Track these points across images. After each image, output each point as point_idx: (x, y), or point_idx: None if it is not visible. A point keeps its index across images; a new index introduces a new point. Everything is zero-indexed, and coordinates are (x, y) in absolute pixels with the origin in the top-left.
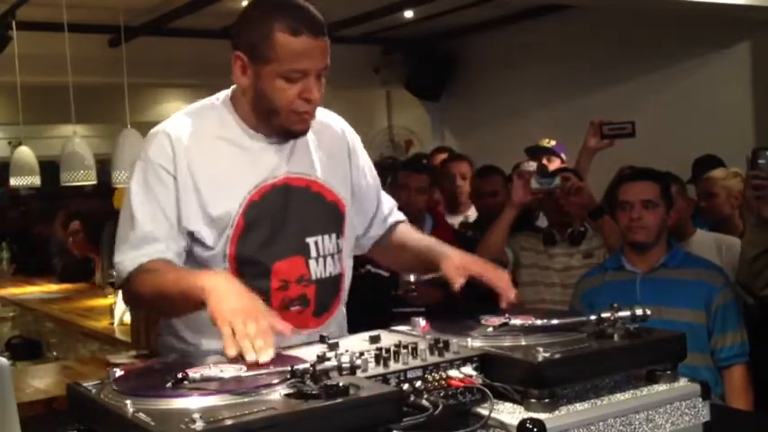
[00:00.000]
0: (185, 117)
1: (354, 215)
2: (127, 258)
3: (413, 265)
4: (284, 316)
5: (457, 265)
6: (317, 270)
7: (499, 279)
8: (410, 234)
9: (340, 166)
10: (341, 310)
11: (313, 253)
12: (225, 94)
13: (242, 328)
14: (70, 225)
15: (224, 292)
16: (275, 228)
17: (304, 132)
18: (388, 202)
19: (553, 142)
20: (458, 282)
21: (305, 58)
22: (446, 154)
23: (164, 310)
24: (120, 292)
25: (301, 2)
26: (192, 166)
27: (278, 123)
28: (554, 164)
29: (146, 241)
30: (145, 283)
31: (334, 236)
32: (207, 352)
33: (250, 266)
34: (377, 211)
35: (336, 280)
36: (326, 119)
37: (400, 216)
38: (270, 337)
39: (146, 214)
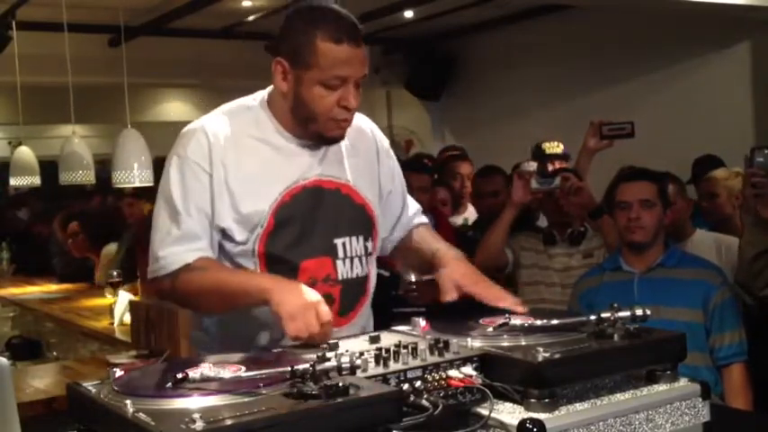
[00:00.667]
0: (222, 116)
1: (381, 217)
2: (171, 253)
3: (421, 268)
4: None
5: (454, 279)
6: (343, 271)
7: (493, 298)
8: (426, 237)
9: (369, 170)
10: (366, 310)
11: (341, 254)
12: (261, 95)
13: (309, 316)
14: (69, 226)
15: (288, 287)
16: (304, 228)
17: (340, 139)
18: (413, 206)
19: (561, 147)
20: (449, 296)
21: (346, 65)
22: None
23: (213, 307)
24: (119, 292)
25: (342, 11)
26: (227, 164)
27: (315, 129)
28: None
29: (189, 238)
30: (192, 281)
31: (362, 238)
32: (227, 343)
33: (278, 264)
34: (401, 214)
35: (363, 281)
36: (357, 121)
37: (423, 219)
38: (328, 325)
39: (185, 212)
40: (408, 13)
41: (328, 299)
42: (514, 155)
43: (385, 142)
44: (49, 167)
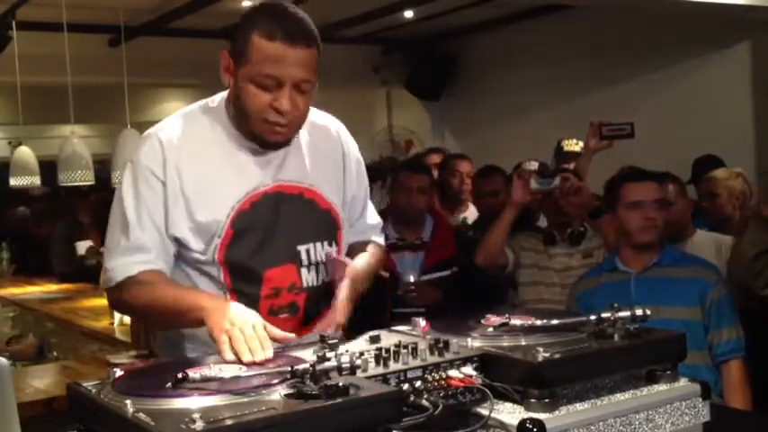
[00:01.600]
0: (179, 120)
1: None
2: (118, 265)
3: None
4: (272, 322)
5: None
6: (308, 278)
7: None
8: (360, 252)
9: (334, 172)
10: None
11: (305, 261)
12: (221, 96)
13: (238, 335)
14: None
15: (222, 309)
16: (266, 236)
17: (278, 144)
18: (374, 219)
19: (579, 145)
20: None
21: (276, 64)
22: (442, 154)
23: (155, 322)
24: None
25: (294, 12)
26: (182, 171)
27: (250, 130)
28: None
29: (136, 249)
30: (138, 294)
31: (326, 243)
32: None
33: (241, 273)
34: (357, 221)
35: (328, 287)
36: (323, 121)
37: (376, 237)
38: (266, 341)
39: (136, 220)
40: (408, 13)
41: (293, 308)
42: (514, 155)
43: (353, 146)
44: (49, 167)
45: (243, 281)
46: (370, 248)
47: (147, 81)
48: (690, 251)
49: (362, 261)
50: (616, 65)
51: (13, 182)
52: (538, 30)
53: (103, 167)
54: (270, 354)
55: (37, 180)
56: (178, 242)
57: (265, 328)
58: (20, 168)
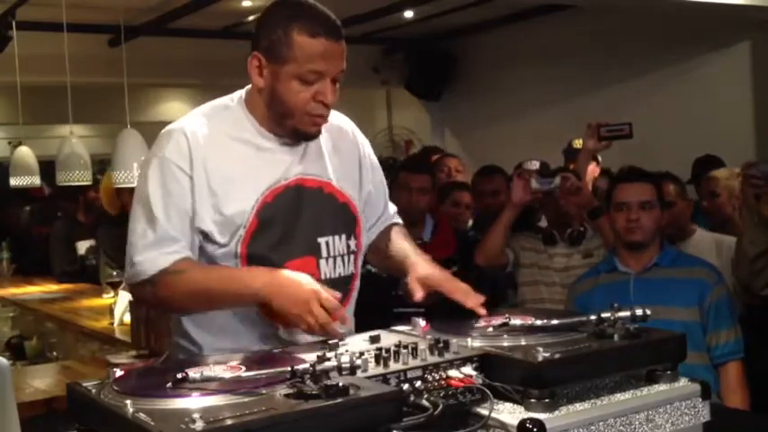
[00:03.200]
0: (201, 116)
1: (363, 216)
2: (147, 259)
3: (392, 271)
4: None
5: (419, 277)
6: (326, 270)
7: (459, 293)
8: (397, 238)
9: (351, 169)
10: (350, 310)
11: (324, 253)
12: (239, 94)
13: (317, 310)
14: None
15: (285, 283)
16: (287, 228)
17: (316, 135)
18: (392, 207)
19: None
20: (417, 294)
21: (321, 59)
22: (439, 154)
23: (198, 309)
24: (119, 292)
25: (320, 7)
26: (207, 165)
27: (291, 125)
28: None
29: (166, 241)
30: (173, 285)
31: (344, 237)
32: (213, 351)
33: (261, 265)
34: (381, 215)
35: (347, 281)
36: (338, 121)
37: (397, 219)
38: (339, 312)
39: (164, 214)
40: (408, 13)
41: None
42: (515, 155)
43: (367, 146)
44: (49, 167)
45: None
46: (402, 233)
47: (147, 81)
48: (690, 251)
49: (410, 249)
50: (616, 65)
51: (14, 182)
52: (538, 30)
53: (103, 167)
54: (346, 321)
55: (37, 180)
56: (203, 234)
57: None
58: (20, 168)
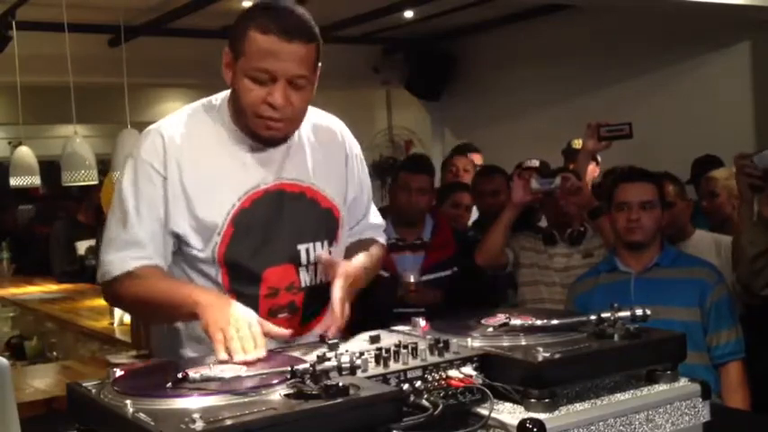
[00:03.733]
0: (181, 117)
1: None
2: (115, 259)
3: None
4: (272, 323)
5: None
6: (306, 278)
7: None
8: (356, 250)
9: (336, 171)
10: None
11: (303, 260)
12: (224, 95)
13: (233, 333)
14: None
15: (217, 305)
16: (266, 235)
17: (273, 140)
18: (377, 219)
19: None
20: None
21: (270, 58)
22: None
23: (148, 317)
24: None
25: (291, 7)
26: (183, 168)
27: (246, 125)
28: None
29: (133, 244)
30: (132, 289)
31: (326, 243)
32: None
33: (240, 272)
34: (361, 221)
35: (326, 287)
36: (326, 121)
37: (379, 235)
38: (260, 339)
39: (135, 215)
40: (408, 13)
41: (292, 307)
42: (514, 155)
43: (356, 148)
44: (49, 167)
45: (241, 281)
46: (371, 248)
47: (147, 81)
48: (689, 251)
49: (358, 260)
50: (616, 65)
51: (14, 182)
52: (538, 30)
53: (104, 167)
54: (262, 353)
55: (37, 180)
56: (178, 238)
57: (261, 325)
58: (20, 168)
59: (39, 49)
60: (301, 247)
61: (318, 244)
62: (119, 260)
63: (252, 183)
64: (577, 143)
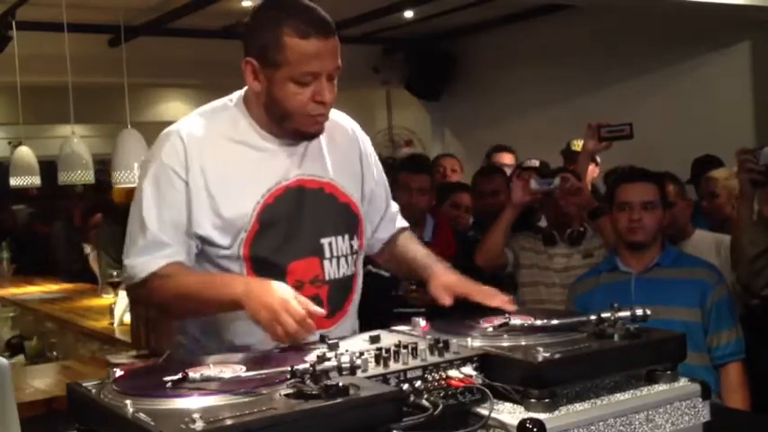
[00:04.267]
0: (199, 118)
1: (365, 215)
2: (138, 263)
3: (408, 275)
4: None
5: (443, 284)
6: (330, 271)
7: (486, 296)
8: (409, 243)
9: (352, 168)
10: (353, 310)
11: (327, 254)
12: (238, 95)
13: (284, 318)
14: (92, 218)
15: (258, 291)
16: (290, 229)
17: (318, 134)
18: (395, 206)
19: None
20: (445, 301)
21: (315, 60)
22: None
23: (182, 314)
24: (119, 292)
25: (308, 2)
26: (205, 169)
27: (291, 127)
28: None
29: (156, 246)
30: (163, 289)
31: (347, 236)
32: (216, 349)
33: (265, 267)
34: (385, 213)
35: (349, 280)
36: (338, 119)
37: (404, 223)
38: (306, 322)
39: (156, 218)
40: (408, 13)
41: (317, 301)
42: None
43: (368, 144)
44: (49, 167)
45: (266, 275)
46: (412, 237)
47: (147, 81)
48: (689, 251)
49: (425, 256)
50: (616, 65)
51: (14, 182)
52: (538, 30)
53: (104, 167)
54: (322, 312)
55: (37, 180)
56: (202, 240)
57: (297, 300)
58: (20, 168)
59: (39, 49)
60: (324, 241)
61: (340, 237)
62: (142, 263)
63: (274, 180)
64: (577, 144)
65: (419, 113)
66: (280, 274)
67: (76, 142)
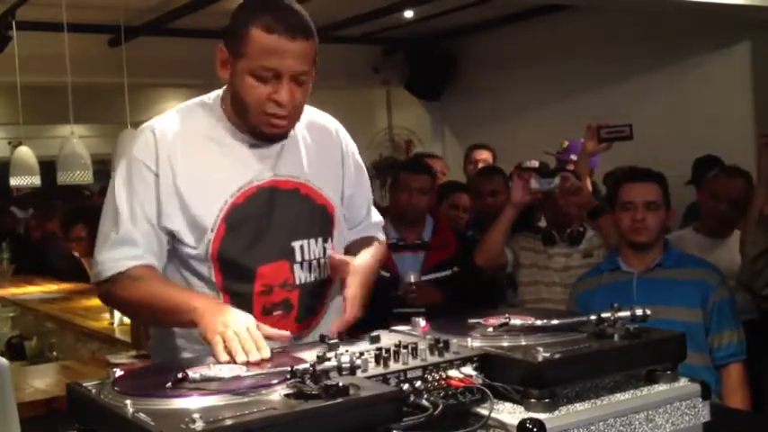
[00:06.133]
0: (175, 114)
1: (341, 219)
2: (108, 259)
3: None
4: (266, 321)
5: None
6: (301, 275)
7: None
8: (359, 245)
9: (332, 169)
10: (329, 316)
11: (298, 257)
12: (217, 93)
13: (232, 336)
14: (73, 229)
15: (214, 310)
16: (260, 231)
17: (276, 137)
18: (377, 218)
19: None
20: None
21: (275, 57)
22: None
23: (144, 320)
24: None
25: (290, 4)
26: (176, 165)
27: (250, 123)
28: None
29: (126, 242)
30: (129, 290)
31: (320, 240)
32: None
33: (233, 269)
34: (364, 220)
35: (322, 285)
36: (322, 120)
37: (379, 234)
38: (260, 341)
39: (128, 213)
40: (408, 13)
41: (287, 305)
42: (515, 154)
43: (352, 146)
44: (49, 168)
45: (234, 278)
46: (373, 246)
47: (147, 81)
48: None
49: (366, 257)
50: (616, 65)
51: (14, 182)
52: (537, 30)
53: (104, 167)
54: (266, 353)
55: (37, 180)
56: (172, 236)
57: (259, 328)
58: (20, 168)
59: (38, 49)
60: (295, 244)
61: (313, 241)
62: (111, 260)
63: (245, 179)
64: (565, 144)
65: (419, 113)
66: (248, 277)
67: (75, 142)
